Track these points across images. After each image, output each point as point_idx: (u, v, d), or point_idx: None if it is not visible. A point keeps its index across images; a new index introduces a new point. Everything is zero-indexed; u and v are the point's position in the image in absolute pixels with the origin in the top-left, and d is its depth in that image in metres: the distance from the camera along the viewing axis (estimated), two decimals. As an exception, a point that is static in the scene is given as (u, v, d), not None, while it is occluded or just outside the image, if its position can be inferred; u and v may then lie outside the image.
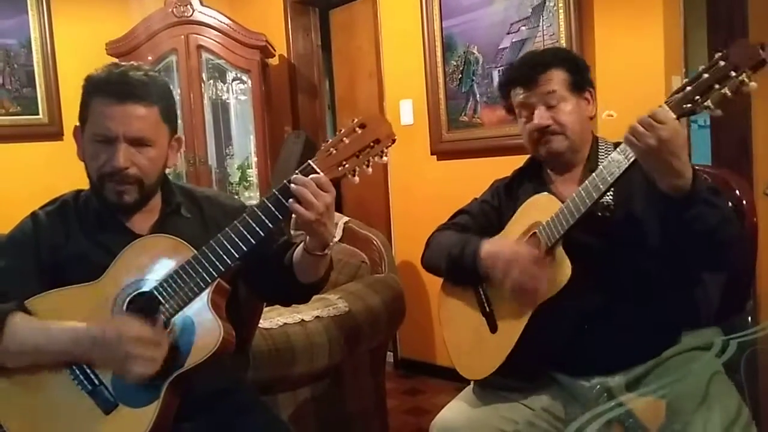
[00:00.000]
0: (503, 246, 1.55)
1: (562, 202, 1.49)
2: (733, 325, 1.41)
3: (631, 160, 1.36)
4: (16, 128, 3.74)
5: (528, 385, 1.57)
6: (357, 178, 1.31)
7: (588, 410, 0.93)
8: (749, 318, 1.55)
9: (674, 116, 1.27)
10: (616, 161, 1.39)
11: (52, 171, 3.50)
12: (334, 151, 1.30)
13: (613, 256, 1.49)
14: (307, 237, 1.35)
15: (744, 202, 1.63)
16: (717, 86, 1.25)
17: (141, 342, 1.26)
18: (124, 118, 1.37)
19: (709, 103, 1.26)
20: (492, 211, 1.77)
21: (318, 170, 1.29)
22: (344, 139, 1.30)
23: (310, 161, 1.30)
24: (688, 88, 1.28)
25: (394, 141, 1.33)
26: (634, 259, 1.48)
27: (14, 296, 1.36)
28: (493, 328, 1.60)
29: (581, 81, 1.61)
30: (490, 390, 1.61)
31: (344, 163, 1.30)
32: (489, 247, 1.57)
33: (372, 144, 1.30)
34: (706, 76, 1.27)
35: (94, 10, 4.04)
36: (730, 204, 1.49)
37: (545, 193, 1.59)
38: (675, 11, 2.71)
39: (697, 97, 1.27)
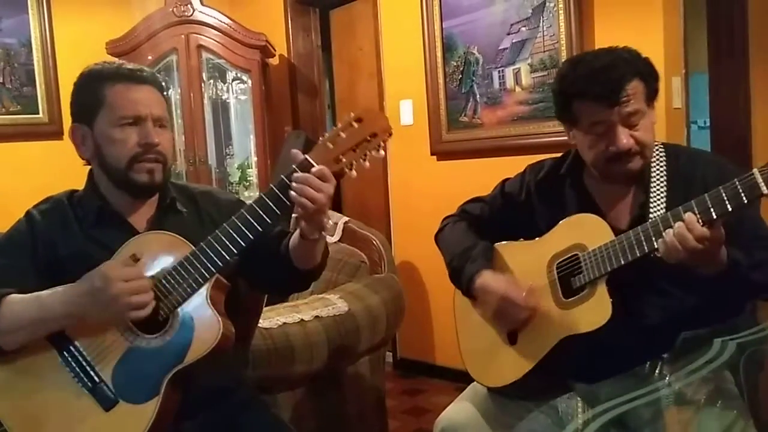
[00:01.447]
0: (498, 288, 1.53)
1: (608, 222, 1.45)
2: (734, 326, 1.41)
3: (704, 221, 1.25)
4: (16, 127, 3.74)
5: (541, 392, 1.55)
6: (354, 172, 1.31)
7: (591, 408, 0.93)
8: (749, 319, 1.54)
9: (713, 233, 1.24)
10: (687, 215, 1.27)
11: (51, 170, 3.50)
12: (331, 146, 1.30)
13: (652, 290, 1.46)
14: (303, 223, 1.35)
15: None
16: None
17: (129, 277, 1.27)
18: (147, 99, 1.44)
19: None
20: (518, 207, 1.69)
21: (315, 165, 1.29)
22: (341, 133, 1.30)
23: (306, 156, 1.30)
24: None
25: (390, 134, 1.32)
26: (673, 293, 1.45)
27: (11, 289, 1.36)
28: (513, 340, 1.57)
29: (655, 90, 1.49)
30: (502, 394, 1.60)
31: (341, 157, 1.30)
32: (485, 281, 1.56)
33: (369, 138, 1.30)
34: None
35: (94, 10, 4.04)
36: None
37: (597, 217, 1.49)
38: (675, 12, 2.71)
39: None
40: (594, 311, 1.42)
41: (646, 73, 1.46)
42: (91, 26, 3.97)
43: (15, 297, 1.34)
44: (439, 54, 3.36)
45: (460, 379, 1.68)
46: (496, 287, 1.54)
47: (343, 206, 4.23)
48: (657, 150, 1.52)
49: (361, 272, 2.53)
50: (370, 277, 2.53)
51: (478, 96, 3.25)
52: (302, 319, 2.09)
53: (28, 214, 1.48)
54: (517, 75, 3.08)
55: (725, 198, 1.22)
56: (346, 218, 2.85)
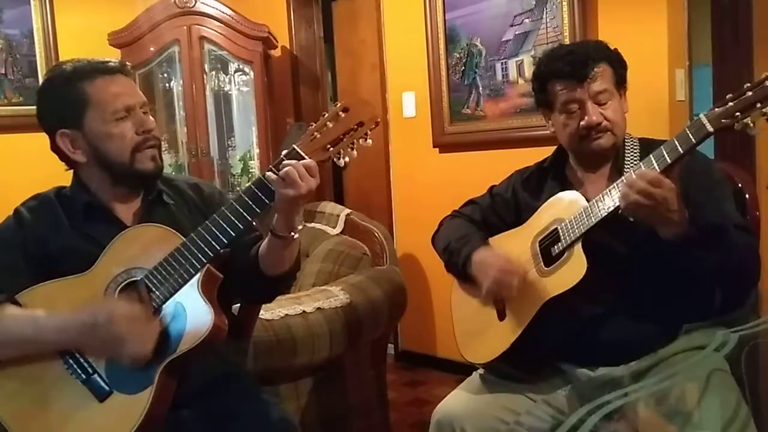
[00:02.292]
0: (494, 259, 1.59)
1: (588, 201, 1.51)
2: (735, 319, 1.41)
3: (661, 168, 1.36)
4: (18, 118, 3.72)
5: (532, 375, 1.59)
6: (342, 161, 1.33)
7: (590, 401, 0.93)
8: (751, 312, 1.54)
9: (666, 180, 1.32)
10: (647, 168, 1.38)
11: (53, 161, 3.51)
12: (318, 136, 1.32)
13: (631, 259, 1.50)
14: (277, 216, 1.36)
15: (746, 195, 1.63)
16: (759, 105, 1.25)
17: (133, 321, 1.27)
18: (127, 88, 1.46)
19: (748, 121, 1.26)
20: (504, 204, 1.78)
21: (303, 154, 1.30)
22: (328, 123, 1.32)
23: (294, 145, 1.31)
24: (731, 103, 1.28)
25: (377, 123, 1.34)
26: (651, 264, 1.48)
27: (3, 290, 1.37)
28: (502, 316, 1.61)
29: (623, 77, 1.61)
30: (494, 379, 1.63)
31: (329, 146, 1.32)
32: (481, 255, 1.63)
33: (356, 127, 1.31)
34: (750, 93, 1.26)
35: (96, 1, 4.02)
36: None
37: (573, 191, 1.59)
38: (679, 4, 2.69)
39: (738, 113, 1.27)
40: (571, 270, 1.49)
41: (614, 58, 1.59)
42: (93, 17, 3.95)
43: (9, 311, 1.35)
44: (441, 46, 3.35)
45: (462, 371, 1.69)
46: (496, 256, 1.60)
47: (345, 198, 4.23)
48: (631, 142, 1.61)
49: (363, 264, 2.54)
50: (372, 269, 2.54)
51: (480, 88, 3.24)
52: (304, 311, 2.10)
53: (16, 212, 1.49)
54: (520, 67, 3.06)
55: (677, 144, 1.35)
56: (348, 210, 2.85)
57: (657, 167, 1.36)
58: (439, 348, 3.59)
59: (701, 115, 1.31)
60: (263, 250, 1.44)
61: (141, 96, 1.48)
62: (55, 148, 1.48)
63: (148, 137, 1.45)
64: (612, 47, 1.61)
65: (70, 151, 1.46)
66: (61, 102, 1.44)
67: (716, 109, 1.29)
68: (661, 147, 1.37)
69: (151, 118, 1.49)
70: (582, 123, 1.55)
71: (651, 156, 1.38)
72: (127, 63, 1.52)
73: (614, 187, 1.44)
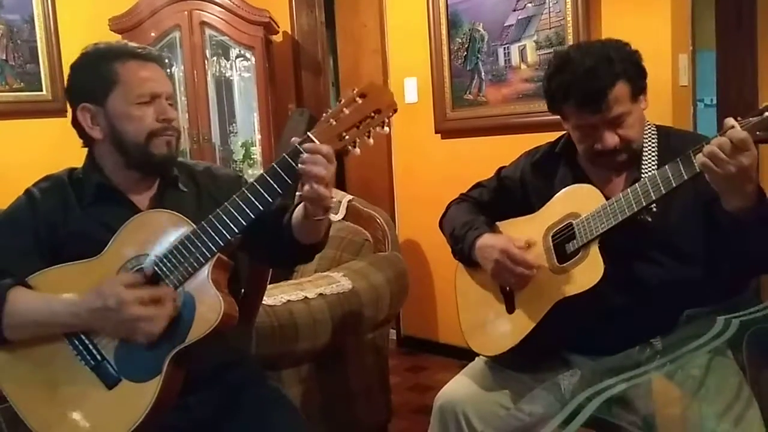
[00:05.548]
0: (496, 243, 1.57)
1: (605, 196, 1.48)
2: (737, 304, 1.41)
3: (691, 175, 1.31)
4: (20, 104, 3.72)
5: (537, 365, 1.58)
6: (358, 150, 1.28)
7: (592, 386, 0.94)
8: (753, 296, 1.55)
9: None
10: (673, 172, 1.34)
11: (55, 147, 3.50)
12: (334, 122, 1.27)
13: (645, 259, 1.49)
14: (308, 204, 1.33)
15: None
16: None
17: (141, 302, 1.27)
18: (160, 77, 1.47)
19: None
20: (513, 187, 1.75)
21: (317, 142, 1.27)
22: (344, 109, 1.27)
23: (309, 133, 1.27)
24: (767, 113, 1.22)
25: (395, 110, 1.29)
26: (665, 264, 1.47)
27: (14, 273, 1.37)
28: (511, 309, 1.60)
29: (641, 86, 1.51)
30: (498, 366, 1.63)
31: (344, 134, 1.27)
32: (485, 240, 1.61)
33: (373, 114, 1.27)
34: None
35: (96, -14, 4.00)
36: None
37: (590, 185, 1.54)
38: (683, -12, 2.67)
39: None
40: (586, 272, 1.46)
41: (631, 73, 1.47)
42: (93, 2, 3.93)
43: (22, 294, 1.35)
44: (444, 31, 3.33)
45: (463, 356, 1.70)
46: (495, 242, 1.58)
47: (347, 184, 4.23)
48: (649, 130, 1.55)
49: (365, 250, 2.54)
50: (374, 255, 2.54)
51: (483, 73, 3.22)
52: (306, 297, 2.10)
53: (27, 192, 1.48)
54: (522, 52, 3.05)
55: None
56: (350, 196, 2.85)
57: (685, 174, 1.32)
58: (441, 333, 3.60)
59: (732, 121, 1.24)
60: (297, 226, 1.41)
61: (170, 87, 1.48)
62: (75, 121, 1.48)
63: (167, 127, 1.44)
64: (628, 50, 1.50)
65: (88, 126, 1.46)
66: (91, 77, 1.45)
67: (752, 119, 1.23)
68: (690, 152, 1.31)
69: (175, 111, 1.49)
70: (597, 146, 1.49)
71: (678, 160, 1.33)
72: (164, 56, 1.52)
73: (636, 189, 1.40)
